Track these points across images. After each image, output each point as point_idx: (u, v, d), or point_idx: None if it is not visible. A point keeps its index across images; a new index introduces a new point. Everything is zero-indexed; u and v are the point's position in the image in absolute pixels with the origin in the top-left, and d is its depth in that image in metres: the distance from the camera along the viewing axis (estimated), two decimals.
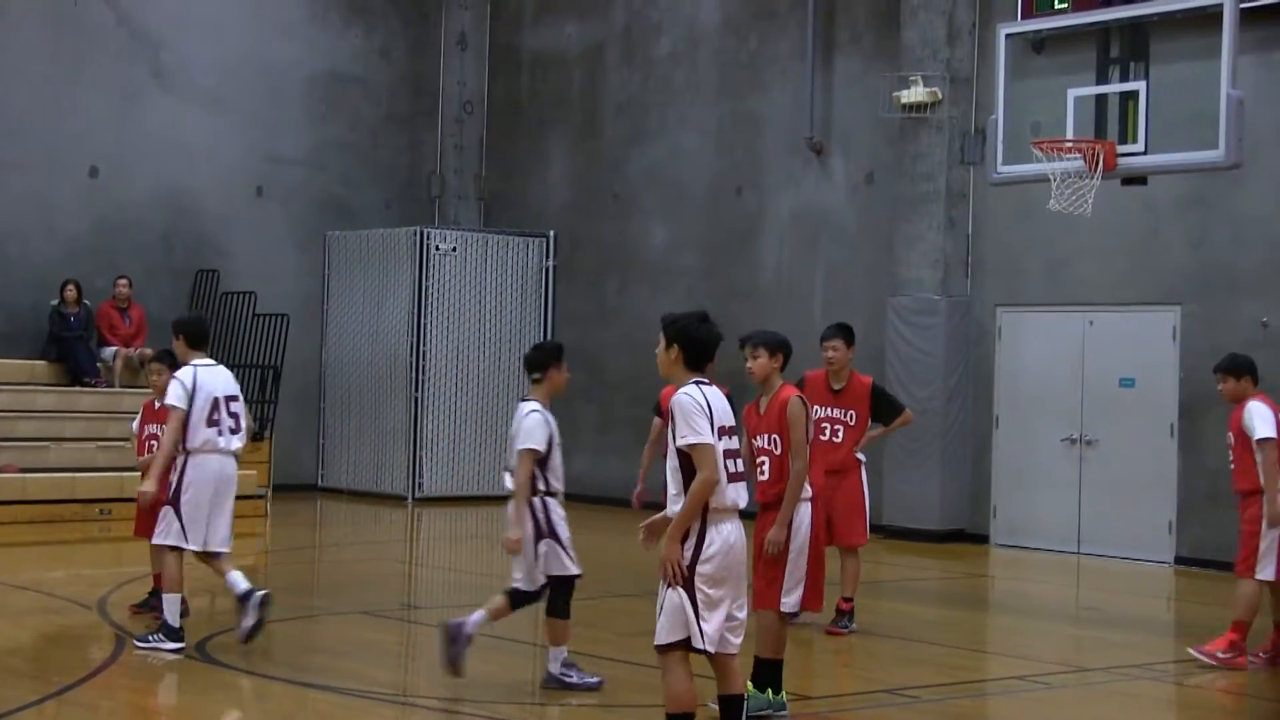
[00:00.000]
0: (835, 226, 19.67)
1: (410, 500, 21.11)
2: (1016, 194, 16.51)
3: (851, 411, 11.40)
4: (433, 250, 21.49)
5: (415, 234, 21.51)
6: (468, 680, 9.12)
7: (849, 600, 11.40)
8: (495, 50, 24.03)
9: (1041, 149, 13.22)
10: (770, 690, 8.35)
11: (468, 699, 8.86)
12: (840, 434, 11.37)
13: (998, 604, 14.92)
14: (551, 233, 22.44)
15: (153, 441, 10.97)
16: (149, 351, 19.05)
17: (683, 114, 21.45)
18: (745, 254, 20.56)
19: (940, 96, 17.99)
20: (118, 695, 9.27)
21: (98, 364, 19.60)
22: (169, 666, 9.79)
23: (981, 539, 17.90)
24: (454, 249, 21.71)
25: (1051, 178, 13.13)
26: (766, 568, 8.37)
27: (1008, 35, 14.13)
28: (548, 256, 22.43)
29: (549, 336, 22.37)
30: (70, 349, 19.44)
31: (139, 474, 11.00)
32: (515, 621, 12.13)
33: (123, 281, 19.94)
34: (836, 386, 11.43)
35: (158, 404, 10.99)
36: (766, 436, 8.41)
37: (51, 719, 8.33)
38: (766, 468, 8.41)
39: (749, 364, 8.56)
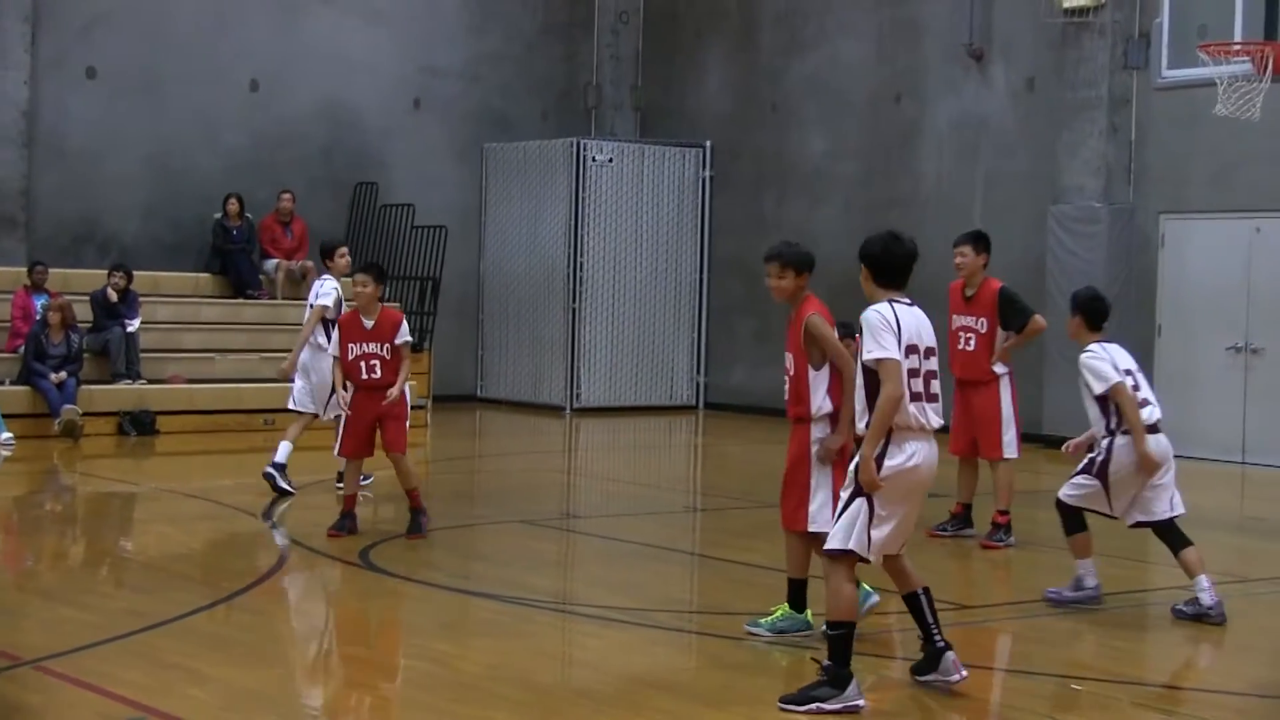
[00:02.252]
0: (995, 134, 19.27)
1: (568, 410, 21.25)
2: (1181, 99, 16.01)
3: (982, 319, 11.17)
4: (589, 161, 21.48)
5: (572, 145, 21.49)
6: (623, 588, 9.17)
7: (1003, 513, 11.21)
8: None
9: (1208, 52, 12.79)
10: (796, 609, 8.20)
11: (624, 607, 8.89)
12: (973, 342, 11.17)
13: None
14: (708, 143, 22.29)
15: (372, 362, 10.74)
16: (310, 264, 19.41)
17: (841, 21, 21.09)
18: (904, 163, 20.25)
19: (1103, 0, 17.47)
20: (284, 601, 9.49)
21: (260, 276, 19.93)
22: (333, 573, 9.98)
23: None
24: (610, 160, 21.67)
25: (1218, 82, 12.69)
26: (792, 488, 8.06)
27: None
28: (704, 167, 22.30)
29: (706, 247, 22.32)
30: (233, 262, 19.78)
31: (346, 391, 10.84)
32: (675, 531, 12.21)
33: (285, 195, 20.20)
34: (969, 293, 11.25)
35: (368, 320, 10.79)
36: (786, 356, 8.06)
37: (222, 623, 8.52)
38: (785, 388, 8.09)
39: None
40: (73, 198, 19.43)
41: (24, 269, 17.73)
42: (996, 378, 11.24)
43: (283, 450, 12.55)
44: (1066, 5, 17.62)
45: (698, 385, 22.43)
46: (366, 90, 21.66)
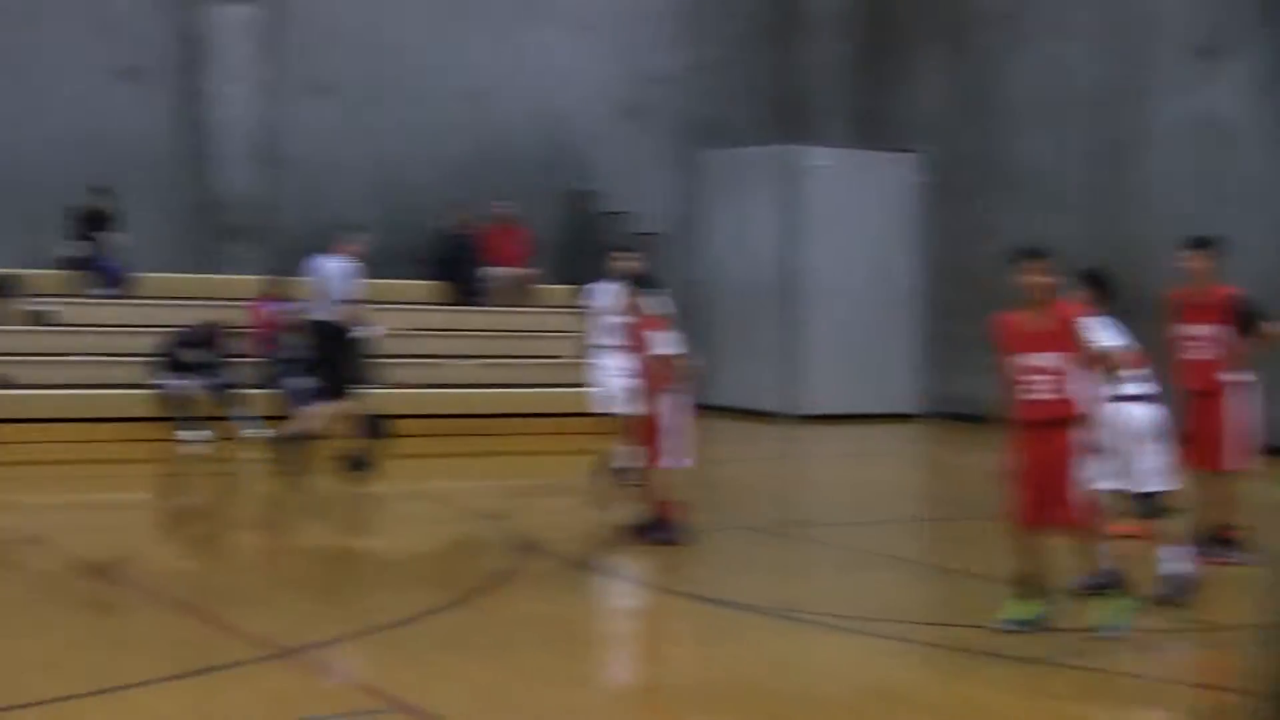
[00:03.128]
0: (1228, 134, 18.71)
1: (787, 418, 21.21)
2: None
3: (1210, 326, 10.81)
4: (804, 168, 21.45)
5: (786, 152, 21.48)
6: (852, 596, 9.16)
7: (1232, 528, 10.79)
8: None
9: None
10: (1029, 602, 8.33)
11: (853, 616, 8.88)
12: (1203, 351, 10.78)
13: None
14: (924, 148, 22.10)
15: None
16: (532, 272, 19.77)
17: (1063, 19, 20.70)
18: (1130, 166, 19.78)
19: None
20: (518, 601, 9.68)
21: (483, 284, 20.31)
22: (565, 578, 10.14)
23: None
24: (826, 166, 21.62)
25: None
26: (1060, 486, 8.14)
27: None
28: (921, 172, 22.12)
29: (924, 253, 22.09)
30: (458, 270, 20.21)
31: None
32: (902, 539, 12.13)
33: (504, 204, 20.58)
34: (1197, 300, 10.85)
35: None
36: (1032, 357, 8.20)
37: (462, 622, 8.73)
38: (1037, 387, 8.16)
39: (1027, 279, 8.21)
40: (309, 209, 20.06)
41: (262, 278, 18.38)
42: (1228, 386, 10.86)
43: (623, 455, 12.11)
44: None
45: (919, 392, 22.19)
46: (580, 99, 21.94)
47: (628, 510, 11.07)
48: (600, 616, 9.27)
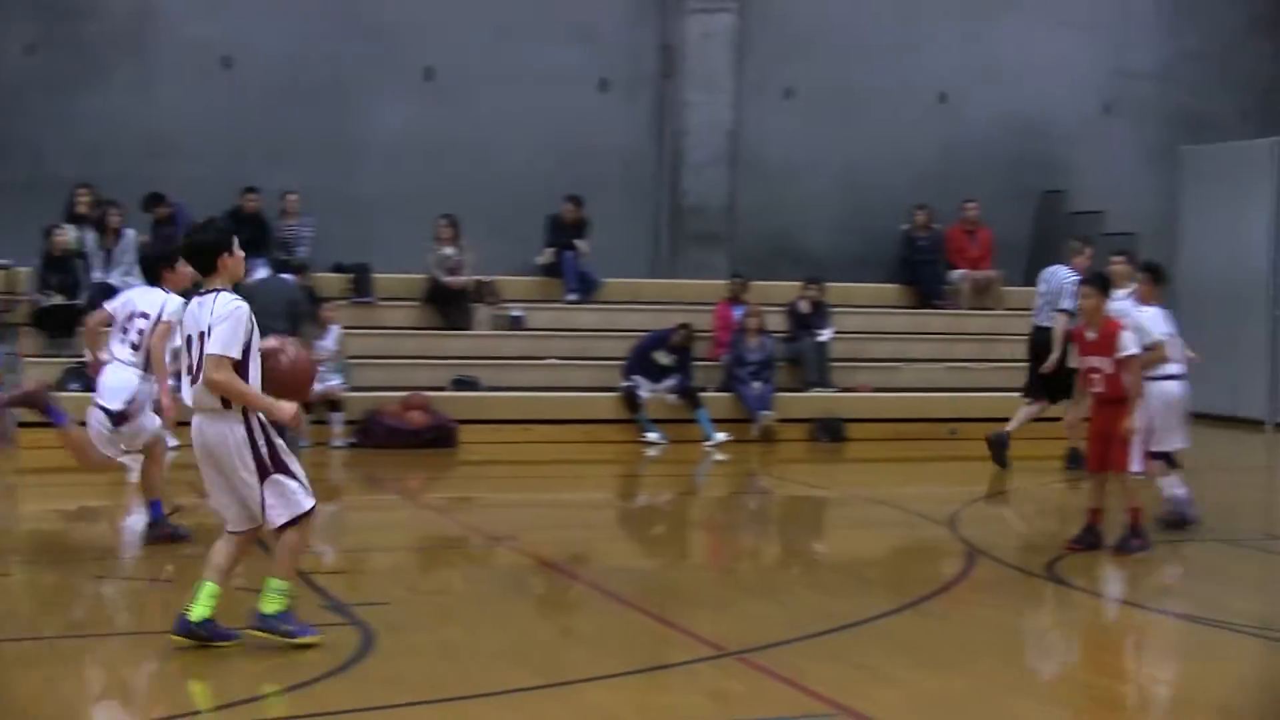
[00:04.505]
0: None
1: (1271, 424, 20.03)
2: None
3: None
4: None
5: (1276, 146, 20.26)
6: None
7: None
8: None
9: None
10: None
11: None
12: None
13: None
14: None
15: (1092, 375, 10.40)
16: (995, 274, 19.36)
17: None
18: None
19: None
20: (968, 609, 9.46)
21: (946, 286, 20.04)
22: (1016, 586, 9.85)
23: None
24: None
25: None
26: None
27: None
28: None
29: None
30: (920, 272, 20.01)
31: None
32: None
33: (971, 205, 20.23)
34: None
35: (1090, 333, 10.43)
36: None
37: (909, 627, 8.60)
38: None
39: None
40: (770, 213, 20.33)
41: (726, 282, 18.70)
42: None
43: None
44: None
45: None
46: (1054, 96, 21.42)
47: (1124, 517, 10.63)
48: (1053, 627, 8.94)
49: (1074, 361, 10.67)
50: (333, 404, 16.05)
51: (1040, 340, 14.82)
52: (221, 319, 7.13)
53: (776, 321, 18.27)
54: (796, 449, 17.06)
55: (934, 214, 20.13)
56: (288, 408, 7.31)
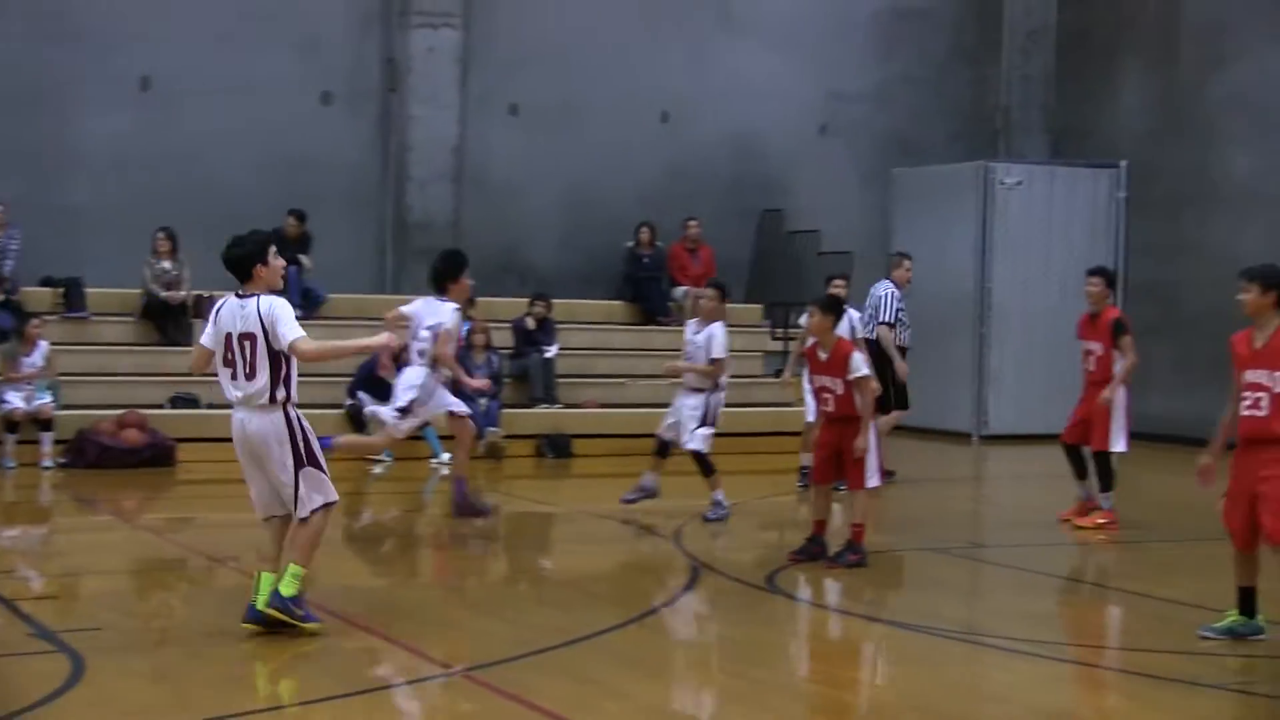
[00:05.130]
0: None
1: (976, 437, 20.88)
2: None
3: None
4: (998, 185, 21.09)
5: (980, 169, 21.17)
6: (1033, 620, 8.95)
7: None
8: None
9: None
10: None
11: (1034, 639, 8.66)
12: None
13: None
14: (1123, 163, 21.54)
15: (825, 395, 10.70)
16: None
17: (1271, 32, 20.05)
18: None
19: None
20: (693, 621, 9.64)
21: (669, 303, 20.34)
22: (739, 598, 10.06)
23: None
24: (1020, 183, 21.23)
25: None
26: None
27: None
28: (1119, 188, 21.55)
29: (1120, 270, 21.55)
30: (644, 289, 20.28)
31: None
32: (1088, 562, 11.83)
33: (693, 223, 20.59)
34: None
35: (822, 354, 10.71)
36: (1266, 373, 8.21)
37: (635, 641, 8.70)
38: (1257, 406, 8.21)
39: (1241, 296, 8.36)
40: (496, 229, 20.32)
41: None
42: None
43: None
44: None
45: None
46: (773, 117, 21.91)
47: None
48: (773, 637, 9.15)
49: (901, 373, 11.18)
50: (43, 423, 15.48)
51: (873, 354, 14.97)
52: (273, 319, 7.94)
53: (503, 338, 18.28)
54: (524, 465, 17.10)
55: (657, 231, 20.43)
56: (381, 338, 8.48)
